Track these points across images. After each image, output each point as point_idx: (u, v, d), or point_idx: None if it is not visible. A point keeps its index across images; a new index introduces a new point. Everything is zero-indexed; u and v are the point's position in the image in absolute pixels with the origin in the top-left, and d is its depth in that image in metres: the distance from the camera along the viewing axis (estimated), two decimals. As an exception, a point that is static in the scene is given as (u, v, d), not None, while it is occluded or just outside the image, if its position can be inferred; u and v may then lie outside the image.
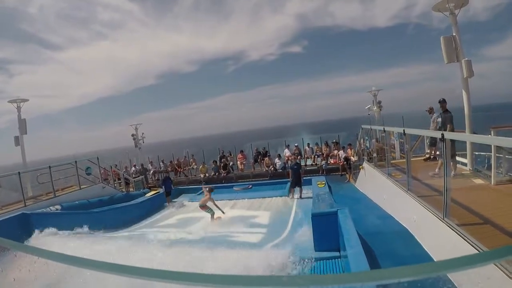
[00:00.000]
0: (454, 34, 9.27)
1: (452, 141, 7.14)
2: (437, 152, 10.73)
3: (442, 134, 5.70)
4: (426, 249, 6.26)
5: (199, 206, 12.40)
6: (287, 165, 19.02)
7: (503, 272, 3.77)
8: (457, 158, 9.81)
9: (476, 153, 9.29)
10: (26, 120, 16.28)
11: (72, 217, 12.06)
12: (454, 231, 5.09)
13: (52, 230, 10.37)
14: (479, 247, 4.35)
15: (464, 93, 9.33)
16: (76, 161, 14.98)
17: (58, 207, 12.61)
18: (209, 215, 12.31)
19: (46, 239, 10.01)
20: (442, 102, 9.19)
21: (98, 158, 16.58)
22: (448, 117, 8.97)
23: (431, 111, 11.32)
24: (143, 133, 23.15)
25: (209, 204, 12.31)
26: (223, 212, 12.43)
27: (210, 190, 12.57)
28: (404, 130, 8.77)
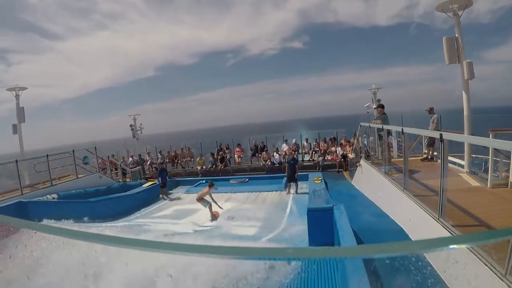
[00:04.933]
0: (456, 35, 9.25)
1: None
2: (435, 153, 10.78)
3: (441, 135, 5.71)
4: (420, 249, 6.30)
5: (196, 199, 12.34)
6: (284, 160, 19.09)
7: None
8: (454, 160, 9.88)
9: (474, 155, 9.33)
10: (24, 109, 16.25)
11: (69, 206, 12.11)
12: (449, 231, 5.13)
13: (49, 218, 10.41)
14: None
15: (464, 94, 9.33)
16: (73, 150, 14.96)
17: (55, 195, 12.64)
18: (205, 208, 12.22)
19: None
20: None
21: (95, 148, 16.56)
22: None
23: (431, 111, 11.35)
24: (141, 124, 23.10)
25: (207, 198, 12.28)
26: (220, 208, 12.34)
27: (211, 185, 12.55)
28: (402, 129, 8.78)
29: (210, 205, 12.11)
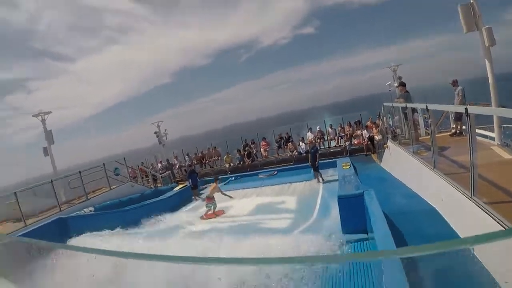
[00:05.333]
0: (472, 1, 8.86)
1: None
2: (463, 127, 10.40)
3: (466, 109, 5.50)
4: (454, 228, 6.14)
5: (206, 197, 12.61)
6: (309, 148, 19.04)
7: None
8: (484, 132, 9.50)
9: (504, 125, 8.93)
10: (52, 131, 17.01)
11: (106, 217, 12.53)
12: (482, 209, 4.96)
13: (89, 230, 10.93)
14: (508, 226, 4.24)
15: (487, 63, 8.92)
16: (104, 164, 15.45)
17: (92, 208, 13.13)
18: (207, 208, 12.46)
19: (84, 239, 10.50)
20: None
21: (125, 159, 17.03)
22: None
23: (455, 83, 10.94)
24: (165, 130, 23.56)
25: (216, 194, 12.52)
26: (230, 197, 12.74)
27: (216, 180, 12.72)
28: (426, 106, 8.50)
29: (215, 207, 12.36)
